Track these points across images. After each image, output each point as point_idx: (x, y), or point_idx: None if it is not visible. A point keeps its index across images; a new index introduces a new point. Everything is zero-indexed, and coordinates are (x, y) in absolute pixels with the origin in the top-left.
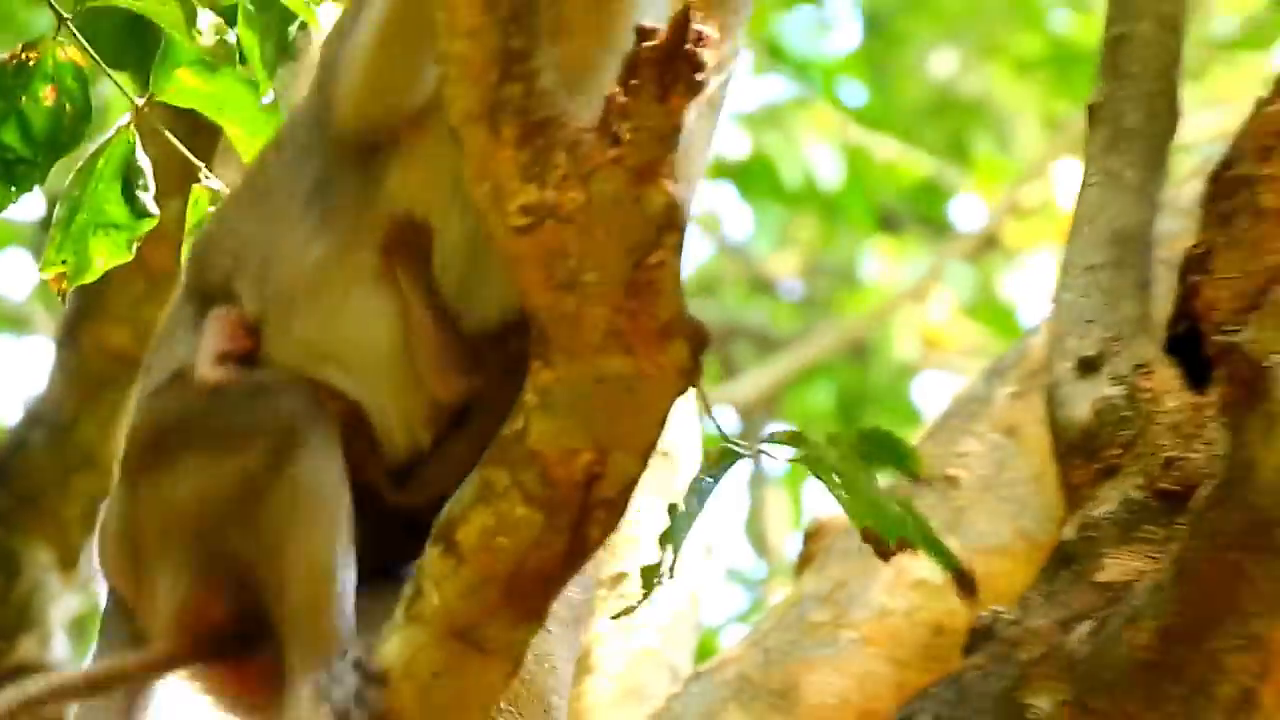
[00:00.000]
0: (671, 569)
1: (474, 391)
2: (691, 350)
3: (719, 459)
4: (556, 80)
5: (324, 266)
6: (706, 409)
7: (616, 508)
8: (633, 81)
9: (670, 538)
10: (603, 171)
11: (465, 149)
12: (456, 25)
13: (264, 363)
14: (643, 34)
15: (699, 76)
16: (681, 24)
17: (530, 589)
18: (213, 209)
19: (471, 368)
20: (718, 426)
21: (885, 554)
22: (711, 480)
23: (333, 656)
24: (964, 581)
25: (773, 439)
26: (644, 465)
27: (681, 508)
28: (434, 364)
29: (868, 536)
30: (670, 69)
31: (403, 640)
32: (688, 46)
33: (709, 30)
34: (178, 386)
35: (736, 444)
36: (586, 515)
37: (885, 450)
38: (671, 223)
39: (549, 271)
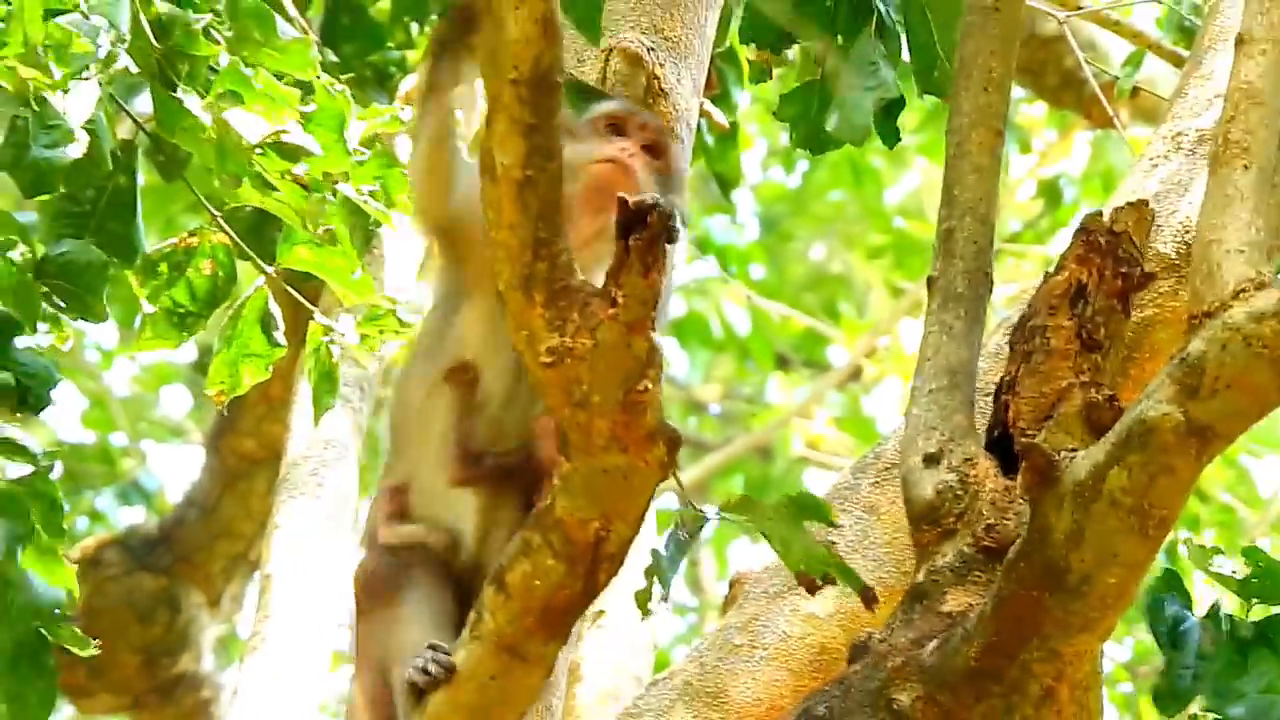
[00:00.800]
0: (664, 597)
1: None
2: (669, 449)
3: (694, 521)
4: (570, 259)
5: (415, 400)
6: (680, 486)
7: (617, 560)
8: (625, 261)
9: (659, 574)
10: (605, 325)
11: (508, 308)
12: (501, 220)
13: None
14: (628, 221)
15: (669, 255)
16: (664, 218)
17: (557, 617)
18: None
19: (473, 470)
20: (688, 500)
21: (813, 588)
22: (688, 536)
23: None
24: (868, 596)
25: (728, 506)
26: (637, 530)
27: (664, 553)
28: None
29: (800, 577)
30: (651, 253)
31: (467, 652)
32: (663, 228)
33: (679, 223)
34: (369, 544)
35: (701, 511)
36: (596, 566)
37: (809, 508)
38: (653, 361)
39: (567, 394)
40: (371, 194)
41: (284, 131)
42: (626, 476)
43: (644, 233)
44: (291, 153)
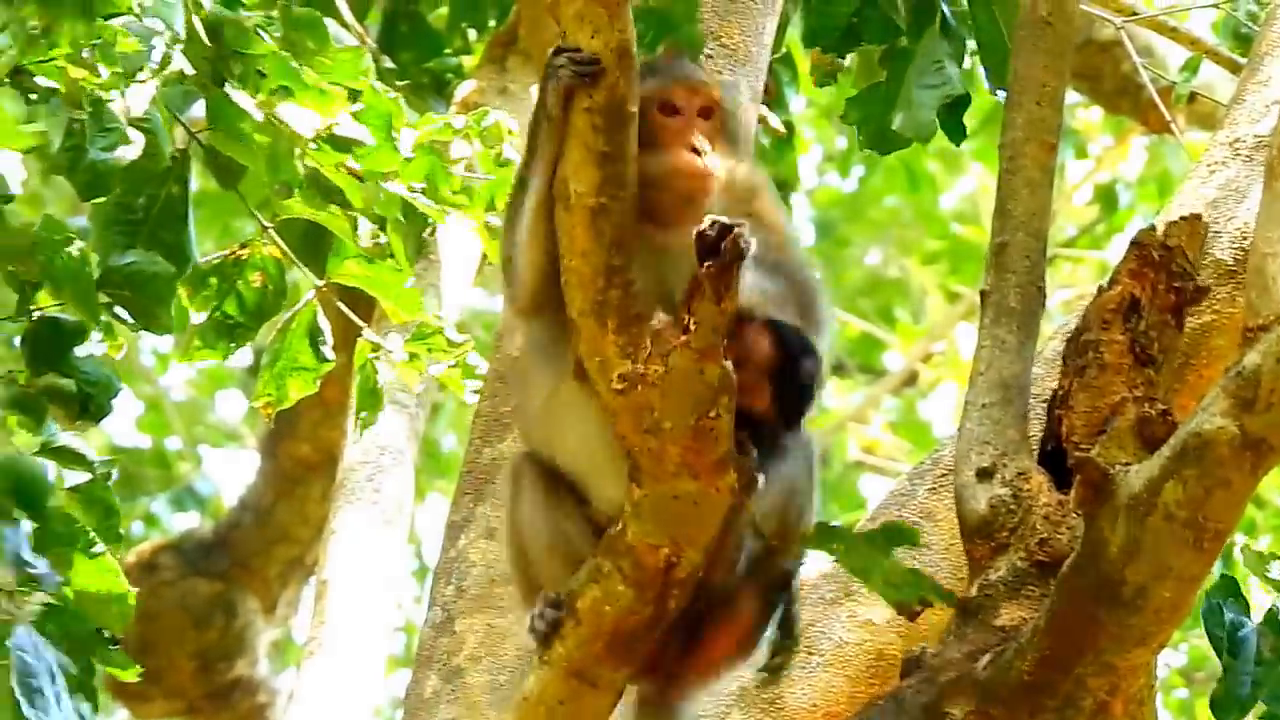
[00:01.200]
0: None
1: None
2: (741, 480)
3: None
4: (642, 285)
5: (548, 393)
6: (753, 517)
7: (688, 586)
8: (698, 288)
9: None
10: (677, 352)
11: (581, 334)
12: (574, 247)
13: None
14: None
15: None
16: (734, 246)
17: (626, 643)
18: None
19: None
20: (760, 532)
21: (912, 615)
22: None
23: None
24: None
25: (810, 539)
26: (705, 557)
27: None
28: None
29: (898, 607)
30: (723, 281)
31: (537, 678)
32: (734, 252)
33: (749, 246)
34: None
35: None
36: (666, 591)
37: (897, 535)
38: (725, 388)
39: (639, 421)
40: (422, 190)
41: (335, 124)
42: (697, 503)
43: (716, 260)
44: (344, 145)
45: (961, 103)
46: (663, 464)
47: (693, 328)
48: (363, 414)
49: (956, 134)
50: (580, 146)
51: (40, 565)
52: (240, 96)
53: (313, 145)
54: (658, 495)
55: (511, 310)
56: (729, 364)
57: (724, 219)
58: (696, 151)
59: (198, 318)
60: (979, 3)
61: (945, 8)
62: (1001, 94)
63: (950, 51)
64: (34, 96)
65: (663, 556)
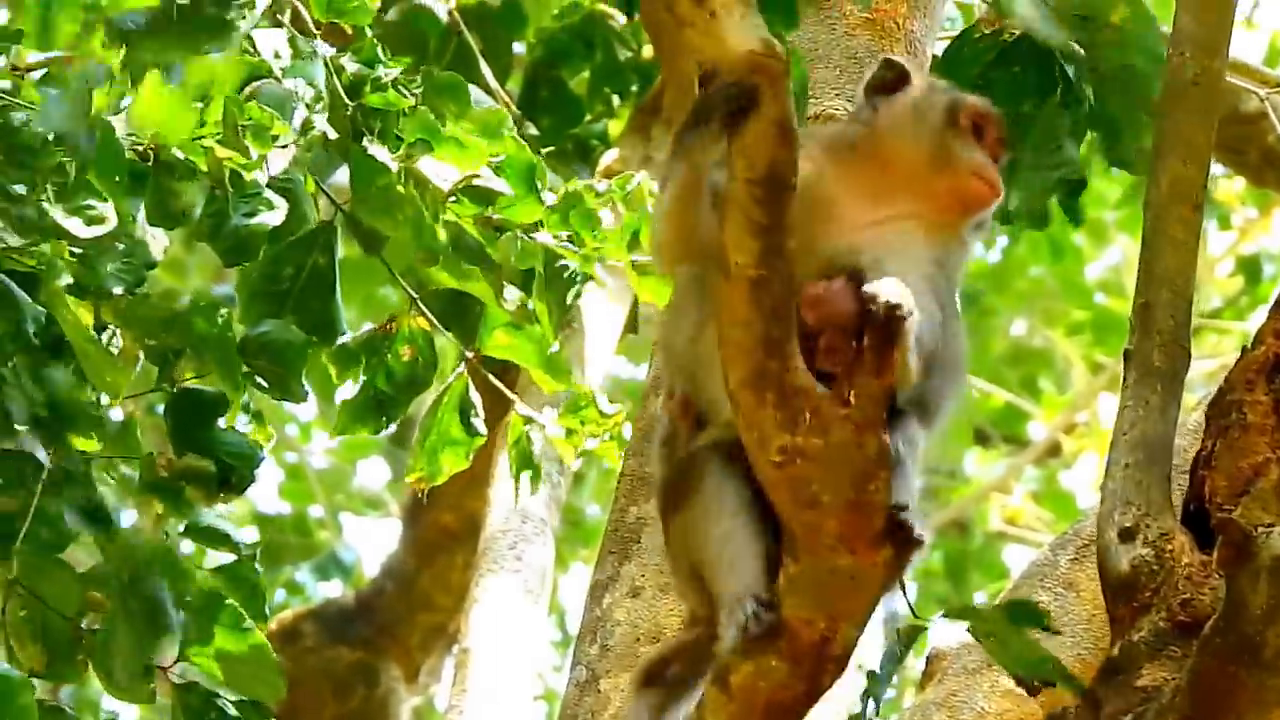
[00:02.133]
0: (876, 715)
1: None
2: (899, 552)
3: (909, 634)
4: (800, 359)
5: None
6: (904, 591)
7: (842, 662)
8: (858, 360)
9: (871, 692)
10: (836, 425)
11: (739, 407)
12: (735, 318)
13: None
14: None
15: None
16: (891, 311)
17: (777, 718)
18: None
19: None
20: (911, 607)
21: (1032, 691)
22: (904, 649)
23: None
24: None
25: (949, 614)
26: (862, 631)
27: (880, 670)
28: None
29: (1019, 680)
30: (885, 353)
31: None
32: (896, 330)
33: (909, 310)
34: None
35: (921, 620)
36: (821, 667)
37: (1027, 615)
38: (883, 461)
39: (796, 494)
40: (569, 238)
41: (475, 176)
42: (854, 578)
43: (878, 333)
44: (484, 196)
45: (1079, 186)
46: (819, 538)
47: (852, 400)
48: (520, 484)
49: (1073, 216)
50: (739, 217)
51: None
52: (379, 152)
53: (452, 199)
54: (814, 570)
55: (660, 270)
56: (888, 438)
57: (894, 294)
58: (993, 180)
59: (346, 391)
60: (1100, 81)
61: (1070, 75)
62: (1117, 170)
63: (1070, 127)
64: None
65: (818, 631)
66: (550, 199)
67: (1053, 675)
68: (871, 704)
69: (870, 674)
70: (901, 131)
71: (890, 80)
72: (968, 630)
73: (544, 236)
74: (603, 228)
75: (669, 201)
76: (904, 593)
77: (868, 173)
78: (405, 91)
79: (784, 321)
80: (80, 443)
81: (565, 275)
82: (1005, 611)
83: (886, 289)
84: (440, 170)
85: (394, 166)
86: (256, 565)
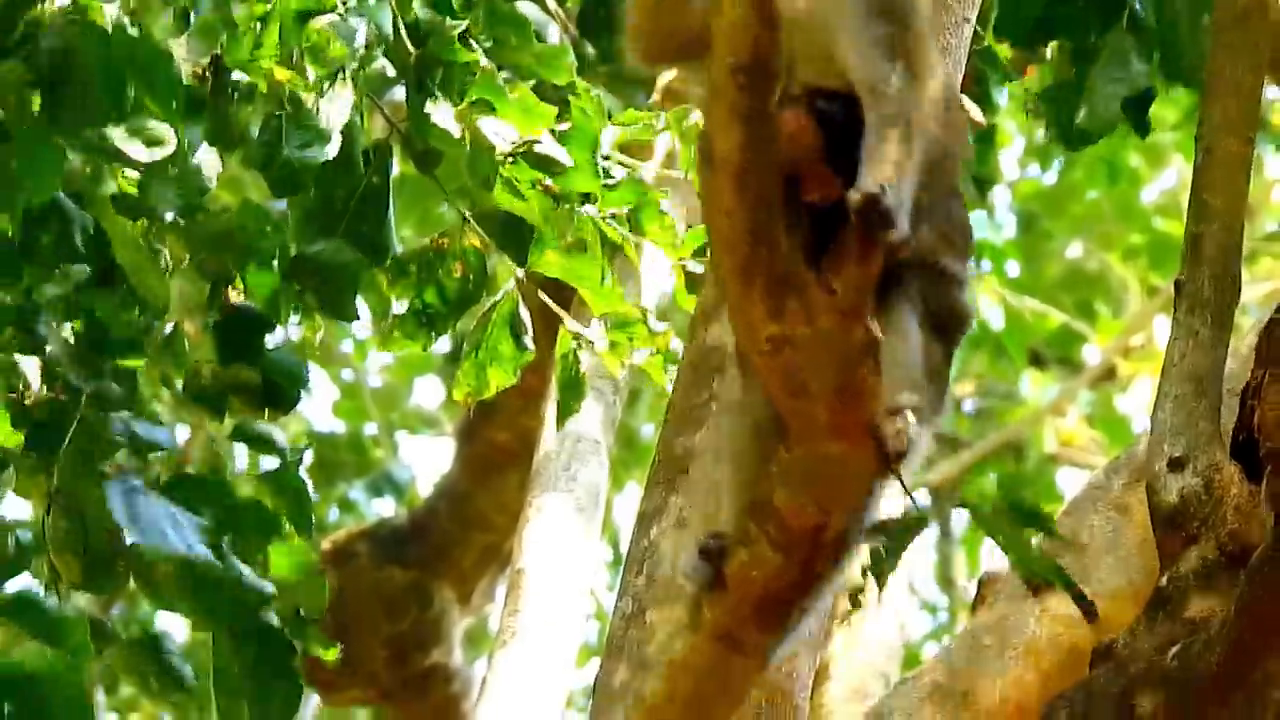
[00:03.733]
0: (879, 592)
1: None
2: (888, 446)
3: (914, 522)
4: (789, 244)
5: None
6: (905, 489)
7: (836, 550)
8: (843, 247)
9: (876, 568)
10: (822, 313)
11: (728, 296)
12: (719, 205)
13: None
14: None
15: (887, 239)
16: (873, 201)
17: (774, 608)
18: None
19: None
20: (911, 498)
21: (1035, 589)
22: (904, 532)
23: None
24: (1086, 608)
25: (959, 504)
26: (859, 522)
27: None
28: None
29: (1025, 578)
30: (868, 239)
31: (684, 643)
32: (879, 219)
33: (892, 200)
34: None
35: (922, 511)
36: (814, 555)
37: (1030, 516)
38: (871, 349)
39: (786, 382)
40: (616, 218)
41: (536, 141)
42: (844, 464)
43: (864, 218)
44: (543, 162)
45: (1146, 97)
46: (810, 425)
47: (838, 289)
48: (564, 403)
49: (1142, 128)
50: (724, 105)
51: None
52: (441, 108)
53: (510, 160)
54: (806, 457)
55: (638, 64)
56: (874, 324)
57: (881, 182)
58: None
59: (398, 307)
60: (1164, 3)
61: (1135, 3)
62: (1180, 89)
63: (1137, 47)
64: (235, 94)
65: (810, 519)
66: (606, 145)
67: (1056, 578)
68: (874, 578)
69: (873, 551)
70: None
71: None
72: (978, 523)
73: (593, 210)
74: (663, 219)
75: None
76: (902, 484)
77: None
78: (474, 43)
79: (771, 209)
80: (125, 360)
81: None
82: (1008, 511)
83: (871, 174)
84: (501, 129)
85: (455, 129)
86: (303, 473)
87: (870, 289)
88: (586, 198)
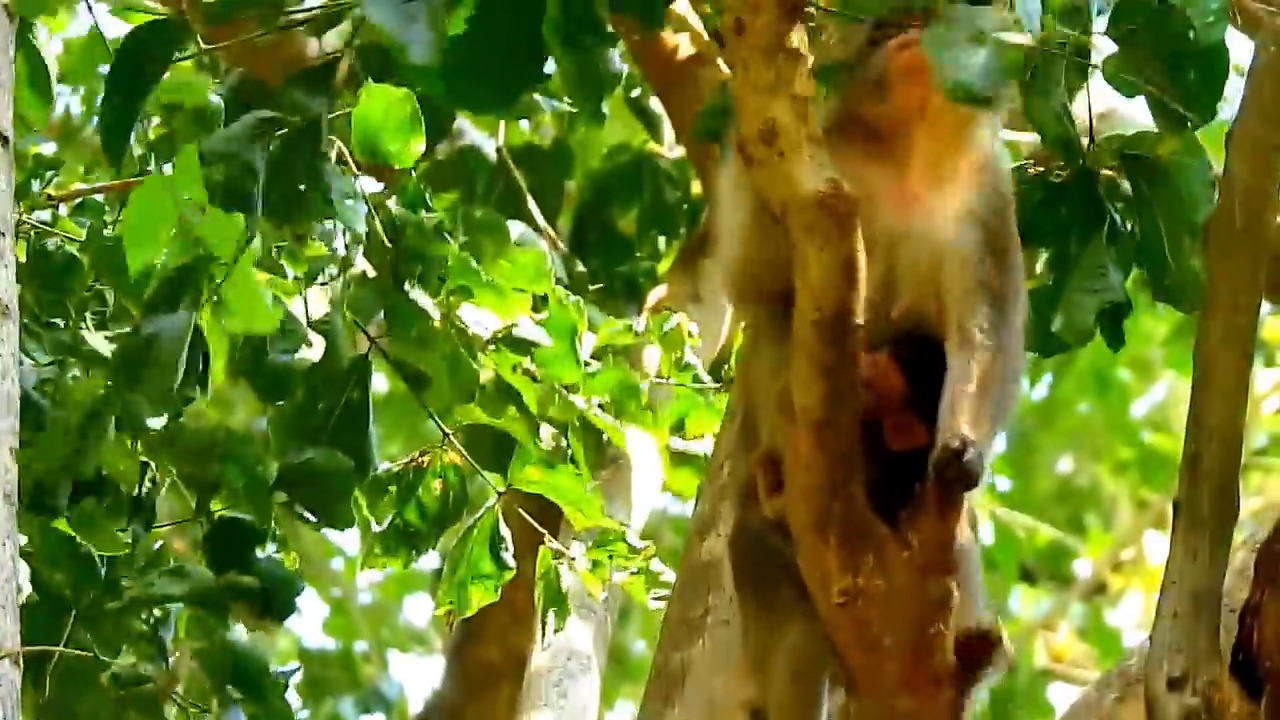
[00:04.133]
0: None
1: None
2: (960, 695)
3: None
4: (864, 500)
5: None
6: None
7: None
8: (922, 503)
9: None
10: (899, 567)
11: (801, 548)
12: (799, 460)
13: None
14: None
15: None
16: (956, 458)
17: None
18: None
19: None
20: None
21: None
22: None
23: None
24: None
25: None
26: None
27: None
28: None
29: None
30: (948, 496)
31: None
32: (960, 477)
33: (974, 457)
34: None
35: None
36: None
37: None
38: (946, 604)
39: (859, 636)
40: (603, 406)
41: (514, 325)
42: (916, 718)
43: (945, 476)
44: (523, 346)
45: (1122, 309)
46: (880, 681)
47: (915, 543)
48: (548, 620)
49: (1115, 340)
50: (805, 359)
51: None
52: (420, 296)
53: (491, 347)
54: (874, 711)
55: (733, 304)
56: (953, 583)
57: (964, 438)
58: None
59: (377, 527)
60: (1147, 217)
61: (1115, 215)
62: (1164, 307)
63: (1116, 258)
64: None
65: None
66: (587, 351)
67: None
68: None
69: None
70: None
71: None
72: None
73: (579, 400)
74: (643, 406)
75: (741, 227)
76: None
77: None
78: (447, 236)
79: (849, 463)
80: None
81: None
82: None
83: (953, 428)
84: (480, 317)
85: (434, 313)
86: (292, 691)
87: (950, 545)
88: (570, 389)
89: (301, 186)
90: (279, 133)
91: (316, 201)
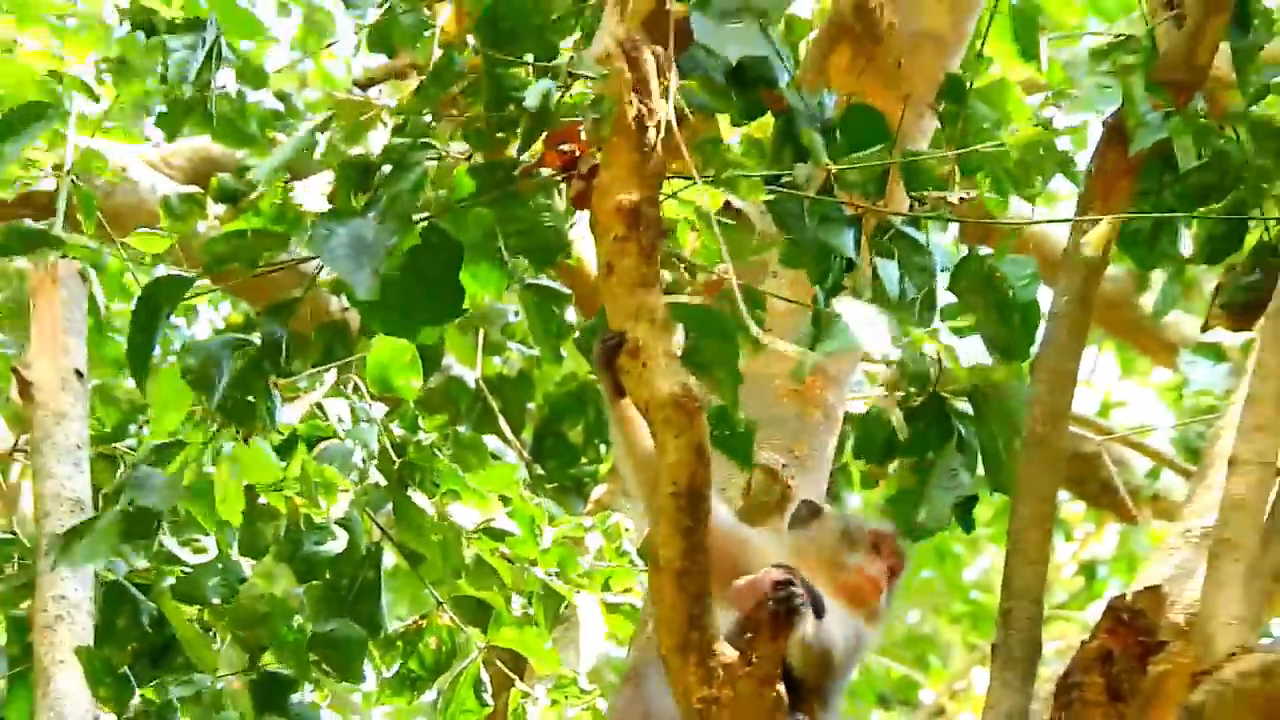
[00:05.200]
0: None
1: None
2: None
3: None
4: (718, 628)
5: None
6: None
7: None
8: (751, 630)
9: None
10: (743, 679)
11: (669, 669)
12: (663, 600)
13: None
14: (762, 598)
15: (795, 619)
16: (792, 607)
17: None
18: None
19: None
20: None
21: None
22: None
23: None
24: None
25: None
26: None
27: None
28: None
29: None
30: (780, 622)
31: None
32: (785, 607)
33: (800, 595)
34: None
35: None
36: None
37: None
38: (779, 707)
39: None
40: (555, 574)
41: (492, 520)
42: None
43: (776, 607)
44: (499, 535)
45: (971, 501)
46: None
47: (755, 660)
48: None
49: (967, 525)
50: (667, 522)
51: None
52: (419, 498)
53: (474, 535)
54: None
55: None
56: (783, 689)
57: (790, 579)
58: (874, 577)
59: (388, 672)
60: (984, 430)
61: (961, 431)
62: (997, 495)
63: (964, 462)
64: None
65: None
66: (548, 541)
67: None
68: None
69: None
70: (814, 554)
71: (806, 516)
72: None
73: (539, 572)
74: (582, 570)
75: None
76: None
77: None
78: (438, 452)
79: (703, 602)
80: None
81: (556, 593)
82: None
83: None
84: (465, 513)
85: (430, 510)
86: None
87: (779, 661)
88: (533, 562)
89: (250, 399)
90: (243, 349)
91: (260, 412)
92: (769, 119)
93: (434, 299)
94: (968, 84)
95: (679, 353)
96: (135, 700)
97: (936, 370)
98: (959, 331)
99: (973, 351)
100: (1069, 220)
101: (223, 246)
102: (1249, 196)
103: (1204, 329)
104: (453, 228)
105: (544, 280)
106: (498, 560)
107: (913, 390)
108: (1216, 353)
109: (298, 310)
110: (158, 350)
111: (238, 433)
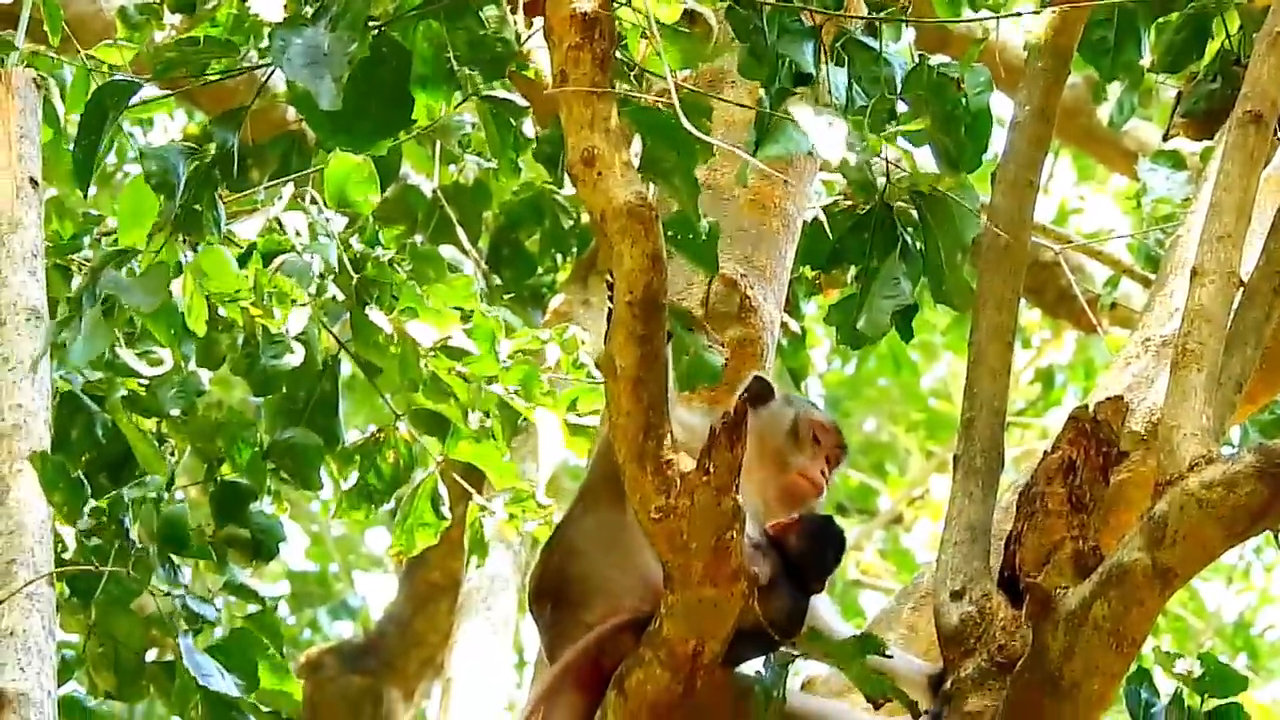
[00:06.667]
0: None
1: None
2: (749, 587)
3: (783, 661)
4: (674, 437)
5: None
6: (766, 626)
7: (710, 667)
8: (716, 438)
9: (768, 698)
10: (700, 489)
11: (627, 478)
12: (620, 409)
13: None
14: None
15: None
16: (743, 408)
17: (662, 713)
18: None
19: None
20: (769, 633)
21: (877, 704)
22: (781, 673)
23: None
24: (914, 710)
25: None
26: (724, 645)
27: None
28: None
29: (867, 696)
30: (736, 432)
31: None
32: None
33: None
34: None
35: (789, 653)
36: (694, 673)
37: (870, 644)
38: (737, 516)
39: (671, 542)
40: (516, 393)
41: (449, 338)
42: (716, 605)
43: (729, 418)
44: (456, 354)
45: (910, 311)
46: (690, 575)
47: (712, 470)
48: (474, 557)
49: (906, 334)
50: (623, 331)
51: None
52: (377, 315)
53: (431, 354)
54: (686, 600)
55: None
56: (739, 497)
57: (758, 378)
58: (817, 480)
59: (346, 484)
60: (930, 240)
61: (906, 237)
62: (942, 307)
63: (906, 271)
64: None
65: (691, 647)
66: (506, 356)
67: (892, 693)
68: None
69: (760, 684)
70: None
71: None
72: (822, 655)
73: (498, 388)
74: (544, 388)
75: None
76: (760, 619)
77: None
78: (397, 267)
79: (659, 411)
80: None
81: (514, 408)
82: (856, 644)
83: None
84: (423, 330)
85: (388, 328)
86: (278, 614)
87: (738, 470)
88: (491, 380)
89: (197, 208)
90: (196, 158)
91: (208, 222)
92: None
93: (383, 109)
94: None
95: (636, 162)
96: (89, 505)
97: (885, 179)
98: (912, 139)
99: (923, 160)
100: (1024, 14)
101: (173, 53)
102: (1210, 3)
103: (1165, 138)
104: (401, 38)
105: (501, 92)
106: (454, 379)
107: (860, 198)
108: (1175, 160)
109: (245, 119)
110: (113, 159)
111: (185, 240)
